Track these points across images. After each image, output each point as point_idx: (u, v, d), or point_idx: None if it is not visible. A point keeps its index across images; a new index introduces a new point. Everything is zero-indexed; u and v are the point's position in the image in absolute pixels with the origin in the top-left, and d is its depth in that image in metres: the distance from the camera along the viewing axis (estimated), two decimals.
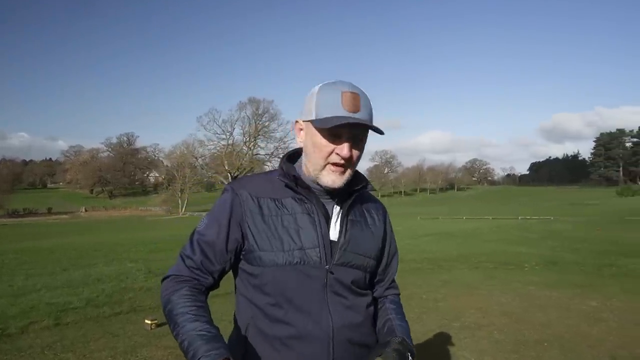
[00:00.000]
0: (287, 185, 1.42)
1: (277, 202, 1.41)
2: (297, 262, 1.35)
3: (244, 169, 64.21)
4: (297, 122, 1.45)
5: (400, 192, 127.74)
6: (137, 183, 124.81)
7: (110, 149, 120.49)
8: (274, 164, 68.18)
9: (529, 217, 38.33)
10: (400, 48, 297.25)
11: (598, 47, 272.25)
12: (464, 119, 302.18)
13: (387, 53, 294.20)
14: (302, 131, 1.43)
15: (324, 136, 1.35)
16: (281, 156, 1.57)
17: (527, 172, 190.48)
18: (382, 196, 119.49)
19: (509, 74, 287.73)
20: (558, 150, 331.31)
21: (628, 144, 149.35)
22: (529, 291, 7.30)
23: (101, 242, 19.99)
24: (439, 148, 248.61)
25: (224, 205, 1.43)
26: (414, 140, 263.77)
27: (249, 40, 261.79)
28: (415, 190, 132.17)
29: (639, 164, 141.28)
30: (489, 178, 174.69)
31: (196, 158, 76.68)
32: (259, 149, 73.91)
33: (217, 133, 73.84)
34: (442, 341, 4.93)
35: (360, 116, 1.32)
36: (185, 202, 77.15)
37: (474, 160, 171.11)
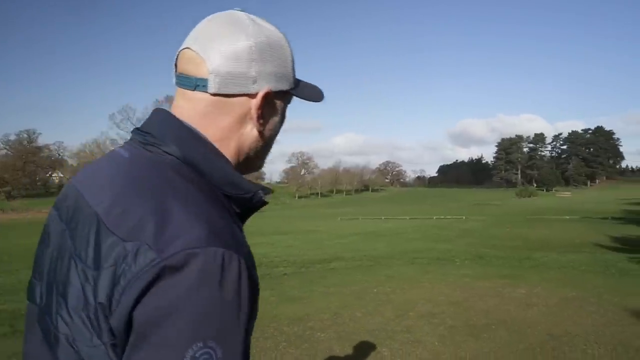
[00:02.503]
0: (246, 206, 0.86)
1: None
2: None
3: None
4: (269, 93, 0.85)
5: (317, 193, 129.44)
6: (38, 184, 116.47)
7: (8, 147, 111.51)
8: None
9: (442, 217, 40.69)
10: (319, 49, 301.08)
11: (502, 59, 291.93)
12: (378, 122, 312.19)
13: (307, 53, 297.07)
14: (266, 107, 0.87)
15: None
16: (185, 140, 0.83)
17: (436, 174, 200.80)
18: (299, 197, 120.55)
19: (421, 79, 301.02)
20: (464, 154, 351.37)
21: (525, 149, 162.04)
22: (466, 282, 8.02)
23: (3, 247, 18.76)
24: (354, 150, 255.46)
25: (245, 302, 0.71)
26: (330, 142, 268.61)
27: (165, 33, 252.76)
28: (332, 191, 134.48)
29: (534, 168, 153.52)
30: (401, 180, 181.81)
31: None
32: None
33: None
34: (404, 329, 5.40)
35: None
36: None
37: (387, 163, 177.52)
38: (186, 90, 0.85)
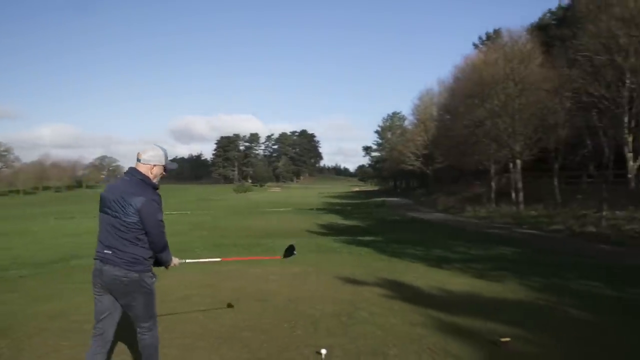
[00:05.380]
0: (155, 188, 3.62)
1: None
2: None
3: None
4: (155, 164, 3.55)
5: (18, 190, 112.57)
6: None
7: None
8: None
9: (168, 212, 40.66)
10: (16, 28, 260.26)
11: (222, 59, 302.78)
12: (93, 113, 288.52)
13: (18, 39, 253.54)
14: (156, 167, 3.56)
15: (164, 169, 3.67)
16: (144, 178, 3.52)
17: None
18: None
19: (141, 72, 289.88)
20: (185, 150, 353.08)
21: (241, 147, 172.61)
22: (212, 268, 8.81)
23: None
24: (65, 142, 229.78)
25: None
26: (34, 132, 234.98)
27: None
28: (37, 188, 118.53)
29: (250, 165, 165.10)
30: (119, 176, 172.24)
31: None
32: None
33: None
34: (169, 310, 5.91)
35: (171, 166, 3.73)
36: None
37: (103, 157, 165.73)
38: (138, 162, 3.55)
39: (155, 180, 3.56)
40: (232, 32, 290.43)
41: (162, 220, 3.50)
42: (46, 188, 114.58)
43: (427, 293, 7.07)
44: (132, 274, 3.40)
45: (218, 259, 4.14)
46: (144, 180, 3.48)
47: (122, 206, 3.35)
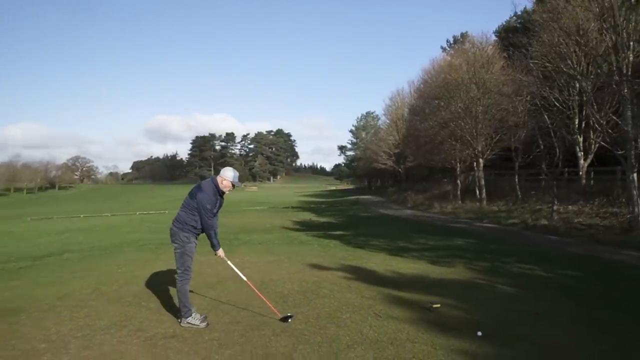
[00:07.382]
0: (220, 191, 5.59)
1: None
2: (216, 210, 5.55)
3: None
4: (225, 179, 5.48)
5: None
6: None
7: None
8: None
9: (146, 212, 41.29)
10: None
11: (198, 60, 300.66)
12: (64, 112, 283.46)
13: None
14: (225, 181, 5.49)
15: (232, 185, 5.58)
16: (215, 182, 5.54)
17: (130, 171, 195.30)
18: None
19: (116, 70, 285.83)
20: (160, 150, 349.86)
21: (217, 147, 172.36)
22: (201, 258, 9.88)
23: None
24: (35, 142, 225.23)
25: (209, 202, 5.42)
26: (3, 133, 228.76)
27: None
28: (9, 189, 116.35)
29: (226, 165, 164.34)
30: (93, 176, 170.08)
31: None
32: None
33: None
34: (160, 292, 6.96)
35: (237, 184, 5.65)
36: None
37: (77, 158, 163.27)
38: (218, 173, 5.64)
39: (226, 190, 5.51)
40: (208, 31, 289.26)
41: (210, 209, 5.34)
42: (18, 189, 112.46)
43: (382, 275, 8.22)
44: (174, 228, 5.43)
45: (244, 278, 6.10)
46: (215, 184, 5.47)
47: (194, 194, 5.39)
